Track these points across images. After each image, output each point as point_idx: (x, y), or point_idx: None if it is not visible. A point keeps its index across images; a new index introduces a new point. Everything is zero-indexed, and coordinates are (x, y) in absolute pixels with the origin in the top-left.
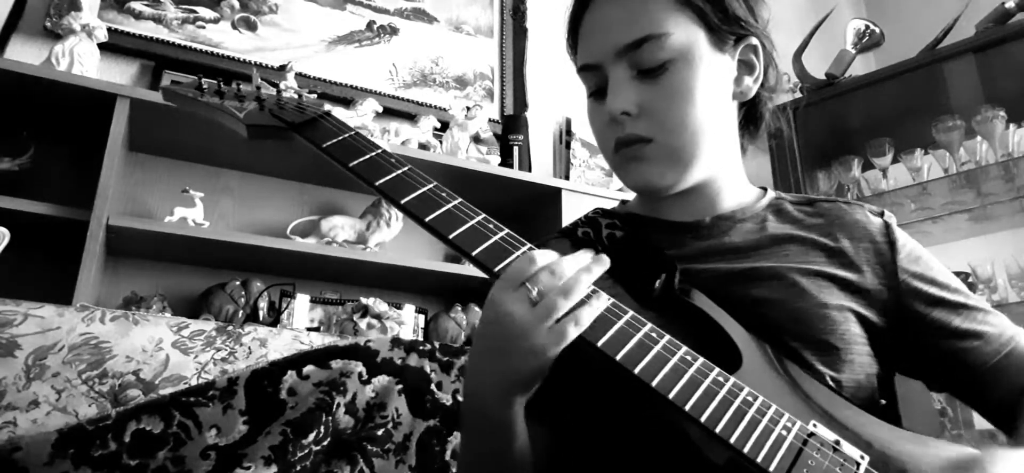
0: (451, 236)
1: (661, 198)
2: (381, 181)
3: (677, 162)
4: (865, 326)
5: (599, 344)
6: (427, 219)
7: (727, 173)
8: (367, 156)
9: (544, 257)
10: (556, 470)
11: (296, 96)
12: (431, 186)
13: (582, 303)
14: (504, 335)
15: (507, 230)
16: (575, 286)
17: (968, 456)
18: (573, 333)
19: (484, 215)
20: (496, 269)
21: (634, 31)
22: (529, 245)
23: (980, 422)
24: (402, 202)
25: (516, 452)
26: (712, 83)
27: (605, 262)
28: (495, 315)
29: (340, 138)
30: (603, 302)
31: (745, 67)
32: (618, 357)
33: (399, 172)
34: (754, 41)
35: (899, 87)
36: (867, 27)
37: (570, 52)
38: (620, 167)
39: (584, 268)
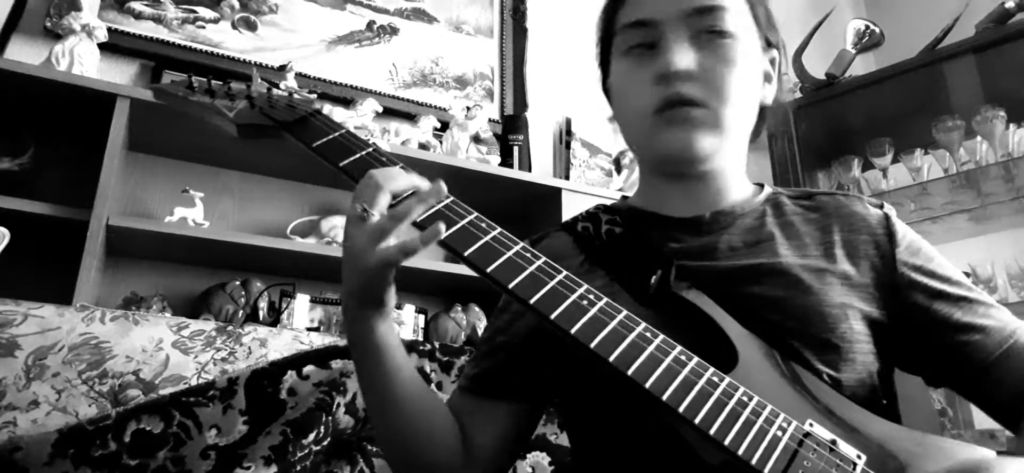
0: (442, 236)
1: (673, 178)
2: None
3: (719, 132)
4: (867, 322)
5: (592, 345)
6: (418, 219)
7: (734, 168)
8: (357, 155)
9: (377, 176)
10: (512, 452)
11: (286, 94)
12: None
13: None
14: (348, 264)
15: (499, 229)
16: (406, 211)
17: (975, 459)
18: (401, 258)
19: (476, 214)
20: (488, 270)
21: None
22: (517, 240)
23: (981, 422)
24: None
25: (390, 370)
26: (753, 72)
27: (440, 191)
28: (343, 246)
29: (329, 137)
30: (441, 233)
31: (766, 76)
32: (611, 358)
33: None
34: (776, 54)
35: (899, 87)
36: (867, 27)
37: (607, 7)
38: (661, 129)
39: (416, 194)
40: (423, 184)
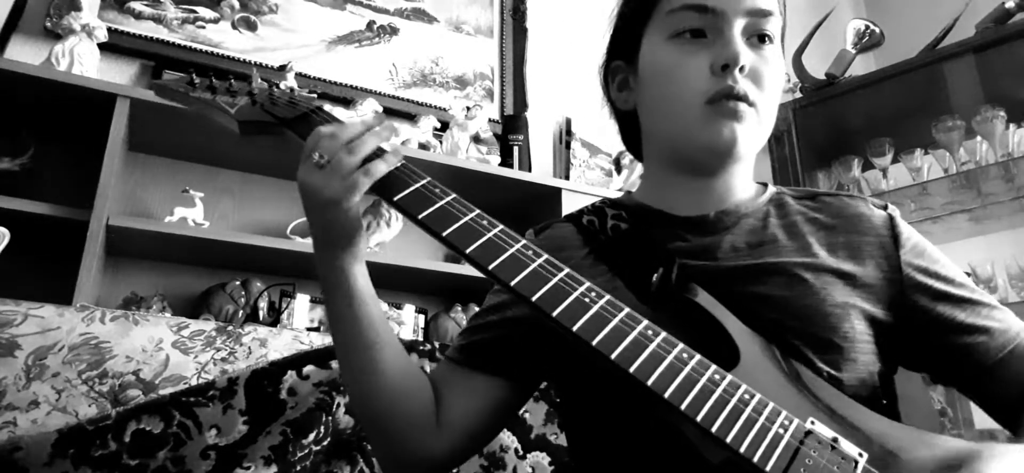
0: (444, 233)
1: (689, 173)
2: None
3: (762, 135)
4: (869, 322)
5: (594, 342)
6: (420, 216)
7: (745, 168)
8: None
9: (328, 127)
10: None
11: (288, 91)
12: (425, 182)
13: (375, 158)
14: (309, 204)
15: (501, 226)
16: (360, 144)
17: (966, 450)
18: (365, 183)
19: (478, 211)
20: (490, 268)
21: (768, 0)
22: (519, 237)
23: (980, 421)
24: (395, 199)
25: (362, 315)
26: (783, 78)
27: (391, 127)
28: (302, 192)
29: None
30: (396, 159)
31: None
32: (613, 356)
33: (393, 168)
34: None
35: (899, 87)
36: (867, 27)
37: None
38: (711, 118)
39: (369, 129)
40: (366, 119)
